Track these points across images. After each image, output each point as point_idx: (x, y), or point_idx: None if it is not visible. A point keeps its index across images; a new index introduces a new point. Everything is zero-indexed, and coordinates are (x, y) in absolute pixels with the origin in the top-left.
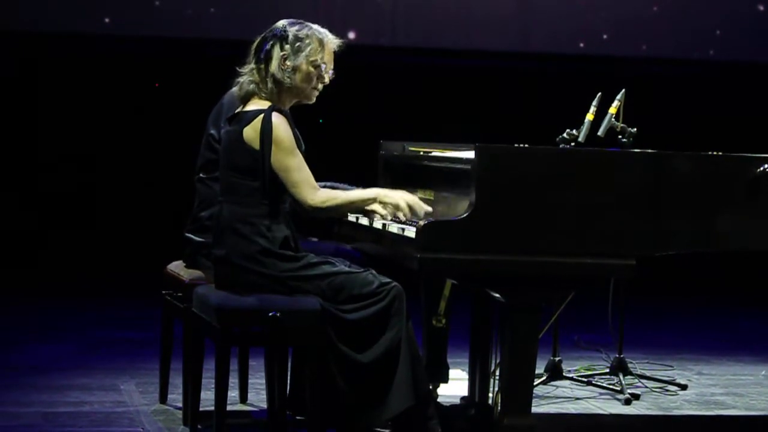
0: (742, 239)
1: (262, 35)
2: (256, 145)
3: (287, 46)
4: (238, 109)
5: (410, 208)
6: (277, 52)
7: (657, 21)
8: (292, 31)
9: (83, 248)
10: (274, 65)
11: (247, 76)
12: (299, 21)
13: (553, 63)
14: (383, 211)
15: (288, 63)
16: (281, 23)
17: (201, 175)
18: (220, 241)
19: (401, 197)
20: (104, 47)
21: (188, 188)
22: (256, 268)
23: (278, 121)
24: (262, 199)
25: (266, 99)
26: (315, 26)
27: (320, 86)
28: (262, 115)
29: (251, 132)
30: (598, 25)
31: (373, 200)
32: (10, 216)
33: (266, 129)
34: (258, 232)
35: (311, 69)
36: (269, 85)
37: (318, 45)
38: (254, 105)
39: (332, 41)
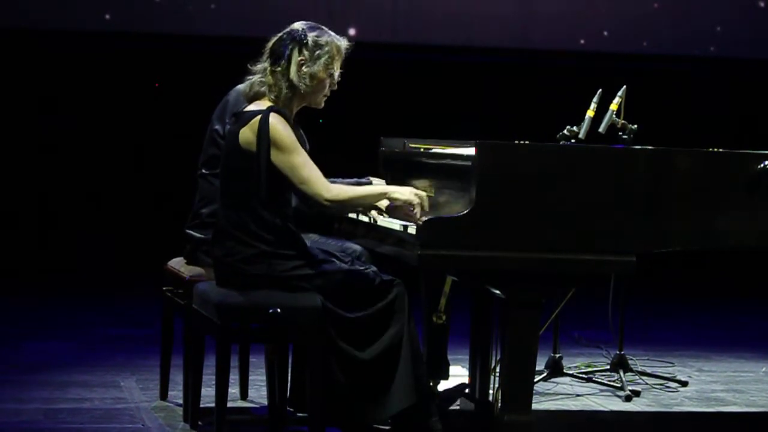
0: (742, 236)
1: (279, 36)
2: (253, 147)
3: (306, 52)
4: (243, 108)
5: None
6: (295, 57)
7: (657, 17)
8: (311, 36)
9: (84, 245)
10: (292, 70)
11: (258, 76)
12: (317, 26)
13: (554, 59)
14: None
15: (305, 69)
16: (299, 26)
17: (203, 170)
18: (219, 243)
19: (411, 192)
20: (105, 44)
21: (189, 184)
22: (255, 270)
23: (275, 121)
24: (257, 203)
25: (274, 101)
26: (333, 33)
27: (329, 92)
28: (259, 117)
29: (248, 133)
30: (599, 22)
31: (383, 196)
32: (10, 213)
33: (263, 130)
34: (254, 236)
35: (326, 77)
36: (283, 88)
37: (336, 53)
38: (255, 105)
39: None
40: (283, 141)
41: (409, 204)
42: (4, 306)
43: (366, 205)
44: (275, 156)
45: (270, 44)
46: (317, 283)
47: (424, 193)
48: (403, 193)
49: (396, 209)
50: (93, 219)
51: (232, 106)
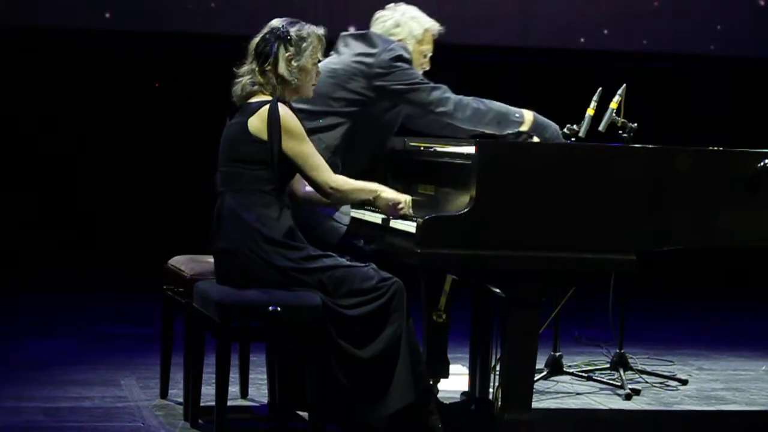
0: (742, 234)
1: (261, 36)
2: (263, 135)
3: (291, 48)
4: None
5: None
6: (282, 53)
7: (657, 16)
8: (293, 31)
9: (84, 244)
10: (282, 66)
11: (248, 76)
12: (295, 20)
13: (554, 58)
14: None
15: (294, 63)
16: (279, 23)
17: None
18: (222, 232)
19: (397, 194)
20: (105, 42)
21: (189, 183)
22: (259, 254)
23: (285, 110)
24: (266, 188)
25: (269, 96)
26: (309, 24)
27: (316, 81)
28: (267, 106)
29: (257, 122)
30: (599, 20)
31: (375, 193)
32: (10, 212)
33: (274, 118)
34: (260, 220)
35: (311, 67)
36: (276, 85)
37: (318, 42)
38: (257, 98)
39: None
40: (295, 129)
41: (396, 202)
42: (5, 304)
43: (360, 199)
44: (287, 143)
45: (253, 45)
46: (317, 278)
47: (409, 198)
48: (393, 194)
49: (384, 207)
50: (93, 216)
51: None
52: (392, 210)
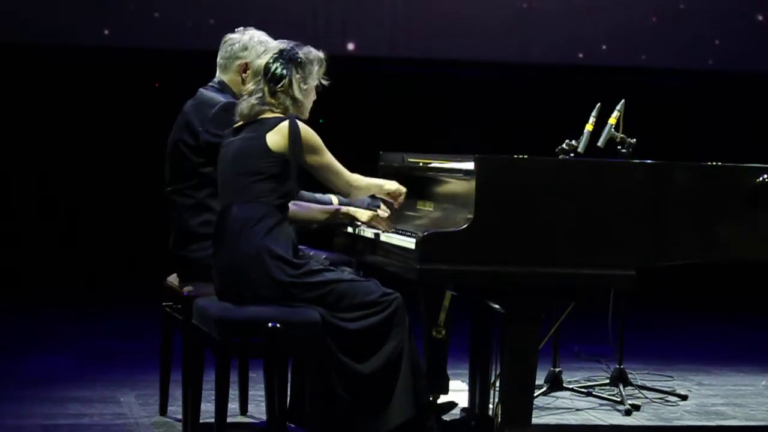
0: (742, 249)
1: (271, 57)
2: (282, 149)
3: (301, 70)
4: (240, 122)
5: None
6: (295, 76)
7: (656, 31)
8: (302, 54)
9: (83, 259)
10: (294, 88)
11: (256, 96)
12: (298, 43)
13: (553, 73)
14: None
15: (303, 85)
16: (288, 46)
17: (179, 186)
18: (227, 245)
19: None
20: (103, 59)
21: None
22: (262, 266)
23: (304, 126)
24: (275, 201)
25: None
26: (312, 48)
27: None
28: (287, 122)
29: (278, 137)
30: (597, 36)
31: (381, 186)
32: (10, 226)
33: (295, 134)
34: (268, 233)
35: (314, 89)
36: (288, 106)
37: (321, 65)
38: (270, 114)
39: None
40: (316, 143)
41: (397, 193)
42: (4, 321)
43: (372, 192)
44: (311, 158)
45: (261, 66)
46: (319, 292)
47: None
48: (391, 185)
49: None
50: (92, 232)
51: (196, 118)
52: (393, 199)
